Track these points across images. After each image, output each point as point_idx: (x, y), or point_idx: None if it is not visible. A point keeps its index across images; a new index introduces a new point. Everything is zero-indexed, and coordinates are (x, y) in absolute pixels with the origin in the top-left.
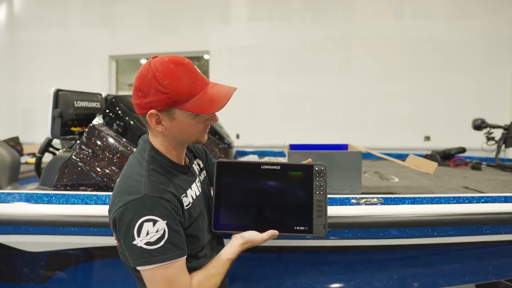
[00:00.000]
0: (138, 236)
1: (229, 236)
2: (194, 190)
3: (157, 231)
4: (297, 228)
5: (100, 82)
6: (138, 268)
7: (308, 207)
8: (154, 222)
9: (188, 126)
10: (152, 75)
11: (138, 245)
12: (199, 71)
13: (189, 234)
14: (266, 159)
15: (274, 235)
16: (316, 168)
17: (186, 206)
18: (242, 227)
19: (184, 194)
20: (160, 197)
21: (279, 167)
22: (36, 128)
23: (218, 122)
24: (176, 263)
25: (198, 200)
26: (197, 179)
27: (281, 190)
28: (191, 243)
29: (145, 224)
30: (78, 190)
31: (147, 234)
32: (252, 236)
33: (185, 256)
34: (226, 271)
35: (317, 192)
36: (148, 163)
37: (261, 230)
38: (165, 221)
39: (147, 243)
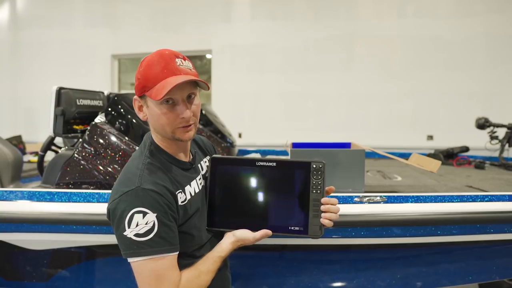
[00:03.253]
0: (129, 227)
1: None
2: (194, 187)
3: (146, 223)
4: (292, 228)
5: (102, 81)
6: (128, 259)
7: (304, 207)
8: (144, 214)
9: (157, 116)
10: (140, 65)
11: (128, 236)
12: (177, 63)
13: (184, 231)
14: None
15: (267, 234)
16: (314, 166)
17: (182, 202)
18: (236, 225)
19: (180, 190)
20: (152, 190)
21: (274, 164)
22: (39, 127)
23: (221, 121)
24: (165, 257)
25: (197, 197)
26: (199, 176)
27: (277, 188)
28: (187, 240)
29: (136, 215)
30: (80, 188)
31: (137, 225)
32: (243, 235)
33: (176, 252)
34: (217, 269)
35: (314, 191)
36: (146, 157)
37: (255, 229)
38: (155, 214)
39: (136, 235)
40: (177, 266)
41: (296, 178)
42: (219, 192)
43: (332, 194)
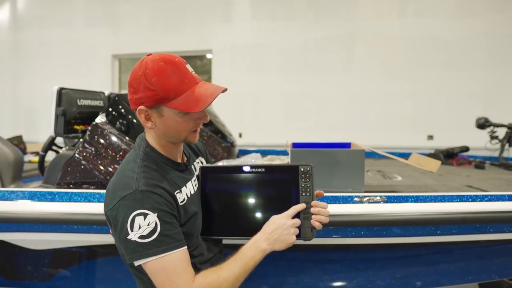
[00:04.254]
0: (132, 230)
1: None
2: (189, 188)
3: (148, 224)
4: None
5: (103, 81)
6: (135, 263)
7: None
8: (145, 215)
9: (176, 124)
10: (142, 72)
11: (133, 239)
12: (190, 70)
13: (185, 232)
14: (268, 157)
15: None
16: (302, 169)
17: (181, 202)
18: (229, 233)
19: (178, 191)
20: (150, 191)
21: (263, 170)
22: (40, 127)
23: (221, 121)
24: (173, 254)
25: (194, 198)
26: (194, 178)
27: (267, 193)
28: (188, 240)
29: (137, 218)
30: (81, 188)
31: (139, 227)
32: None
33: (184, 247)
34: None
35: (303, 194)
36: (142, 159)
37: (248, 235)
38: (156, 214)
39: (141, 237)
40: (188, 261)
41: (285, 182)
42: (211, 201)
43: (332, 194)
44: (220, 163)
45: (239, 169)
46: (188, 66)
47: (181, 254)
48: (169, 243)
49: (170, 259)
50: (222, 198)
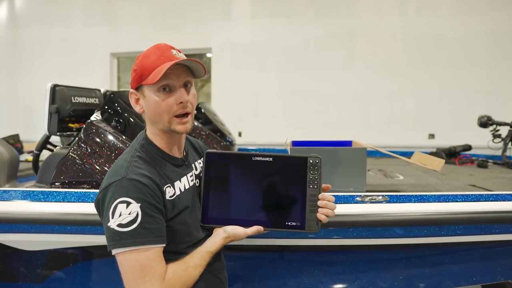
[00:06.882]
0: (112, 217)
1: None
2: (184, 183)
3: (129, 213)
4: (289, 223)
5: (101, 80)
6: (112, 251)
7: (301, 202)
8: (128, 204)
9: (155, 104)
10: (136, 59)
11: (111, 226)
12: (173, 52)
13: (173, 227)
14: None
15: (259, 231)
16: (311, 161)
17: (170, 197)
18: (232, 221)
19: (169, 185)
20: (137, 180)
21: (271, 159)
22: (38, 126)
23: (220, 119)
24: (150, 249)
25: (187, 194)
26: (191, 173)
27: (273, 183)
28: (177, 237)
29: (119, 205)
30: (75, 187)
31: (120, 215)
32: (234, 230)
33: (162, 244)
34: (205, 264)
35: (311, 186)
36: (136, 150)
37: (251, 224)
38: (139, 204)
39: (119, 225)
40: (162, 258)
41: (293, 173)
42: (214, 187)
43: (333, 194)
44: None
45: (246, 156)
46: (174, 50)
47: (158, 251)
48: (147, 237)
49: (146, 253)
50: (225, 185)
